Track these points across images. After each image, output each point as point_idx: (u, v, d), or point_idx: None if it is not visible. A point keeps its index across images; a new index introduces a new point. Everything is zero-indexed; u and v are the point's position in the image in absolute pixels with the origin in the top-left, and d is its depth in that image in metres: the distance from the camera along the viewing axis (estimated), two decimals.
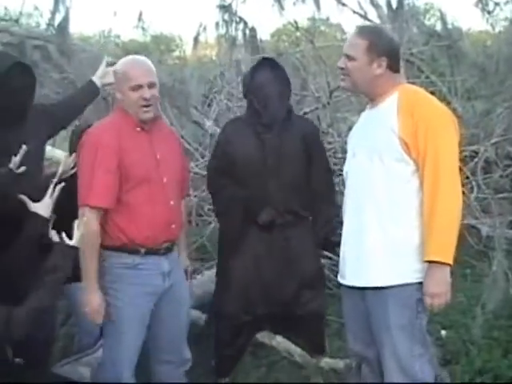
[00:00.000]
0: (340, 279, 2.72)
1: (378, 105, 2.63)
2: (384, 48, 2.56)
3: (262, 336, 3.87)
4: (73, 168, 3.06)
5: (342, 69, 2.62)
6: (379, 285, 2.51)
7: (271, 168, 3.35)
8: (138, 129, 2.81)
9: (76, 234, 2.57)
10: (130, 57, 2.90)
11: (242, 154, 3.37)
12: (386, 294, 2.51)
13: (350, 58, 2.58)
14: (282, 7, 6.46)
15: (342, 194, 2.82)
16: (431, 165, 2.43)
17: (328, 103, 5.33)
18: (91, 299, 2.69)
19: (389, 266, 2.51)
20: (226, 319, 3.48)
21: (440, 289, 2.43)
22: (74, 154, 3.05)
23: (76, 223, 2.61)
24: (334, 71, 6.07)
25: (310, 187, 3.46)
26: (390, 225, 2.51)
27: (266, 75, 3.36)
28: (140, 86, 2.74)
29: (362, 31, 2.63)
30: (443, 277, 2.43)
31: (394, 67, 2.60)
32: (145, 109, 2.76)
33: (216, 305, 3.58)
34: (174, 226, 2.85)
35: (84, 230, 2.59)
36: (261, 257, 3.42)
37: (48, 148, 4.53)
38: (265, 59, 3.48)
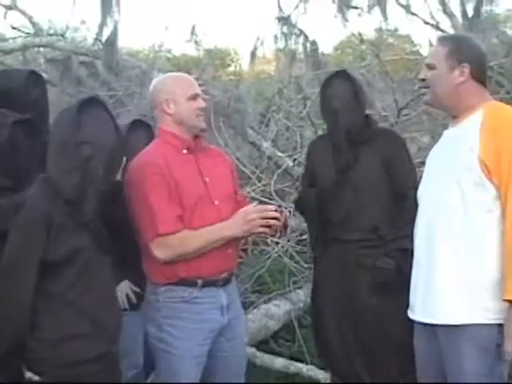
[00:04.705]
0: (409, 313, 2.66)
1: (461, 123, 2.56)
2: (466, 54, 2.54)
3: None
4: None
5: (423, 80, 2.62)
6: (449, 323, 2.44)
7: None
8: (185, 151, 2.85)
9: None
10: (168, 73, 3.08)
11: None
12: (458, 334, 2.43)
13: (430, 66, 2.59)
14: (345, 18, 6.50)
15: None
16: None
17: (396, 122, 5.31)
18: (247, 219, 2.72)
19: (461, 303, 2.44)
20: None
21: None
22: None
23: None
24: (402, 87, 6.06)
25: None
26: (465, 258, 2.44)
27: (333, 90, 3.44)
28: (197, 96, 2.87)
29: (442, 39, 2.65)
30: None
31: (478, 76, 2.56)
32: (201, 118, 2.87)
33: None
34: (230, 250, 2.83)
35: (170, 250, 2.68)
36: None
37: None
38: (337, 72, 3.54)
